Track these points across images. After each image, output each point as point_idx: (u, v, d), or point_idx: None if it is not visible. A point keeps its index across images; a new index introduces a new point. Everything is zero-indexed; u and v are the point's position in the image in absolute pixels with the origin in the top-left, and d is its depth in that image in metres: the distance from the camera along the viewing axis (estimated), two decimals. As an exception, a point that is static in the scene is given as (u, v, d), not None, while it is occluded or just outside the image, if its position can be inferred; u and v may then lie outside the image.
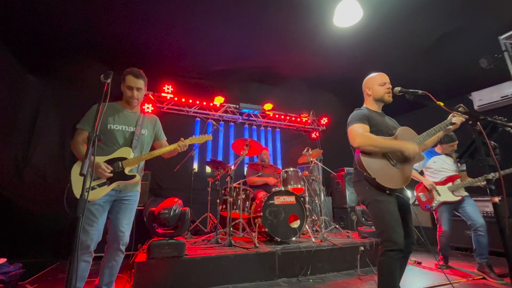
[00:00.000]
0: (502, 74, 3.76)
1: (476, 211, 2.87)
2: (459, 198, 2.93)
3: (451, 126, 1.79)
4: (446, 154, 3.19)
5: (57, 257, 3.35)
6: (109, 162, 1.84)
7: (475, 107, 4.33)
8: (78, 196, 1.66)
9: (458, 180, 3.00)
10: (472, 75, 4.26)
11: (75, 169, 1.75)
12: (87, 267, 1.78)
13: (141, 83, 1.98)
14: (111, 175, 1.80)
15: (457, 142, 3.11)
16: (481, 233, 2.74)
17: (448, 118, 1.79)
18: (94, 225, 1.75)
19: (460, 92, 4.72)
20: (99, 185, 1.78)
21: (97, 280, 1.92)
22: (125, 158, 1.88)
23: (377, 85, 1.92)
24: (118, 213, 1.91)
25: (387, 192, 1.70)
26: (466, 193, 2.99)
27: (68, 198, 1.48)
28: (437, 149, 3.25)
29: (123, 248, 1.91)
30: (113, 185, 1.83)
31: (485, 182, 2.76)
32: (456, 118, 1.75)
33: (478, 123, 1.45)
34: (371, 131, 1.79)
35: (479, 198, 3.82)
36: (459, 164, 3.10)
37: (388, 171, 1.73)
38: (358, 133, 1.74)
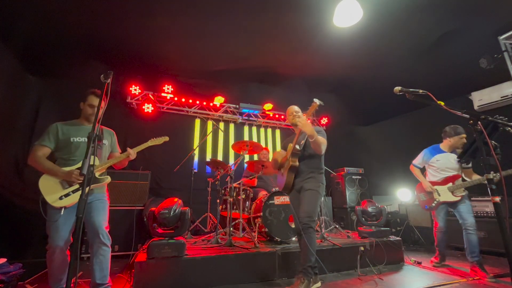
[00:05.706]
0: (502, 74, 3.76)
1: (469, 211, 2.86)
2: (458, 198, 2.89)
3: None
4: (452, 151, 3.03)
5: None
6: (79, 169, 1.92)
7: (475, 107, 4.32)
8: (52, 203, 1.90)
9: (459, 179, 2.94)
10: (472, 75, 4.25)
11: (43, 181, 1.96)
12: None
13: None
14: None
15: (465, 135, 2.97)
16: (470, 232, 2.77)
17: None
18: (63, 227, 1.90)
19: (460, 92, 4.71)
20: (73, 191, 1.94)
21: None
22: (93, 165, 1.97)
23: (287, 115, 2.64)
24: (92, 212, 1.98)
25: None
26: (465, 193, 2.92)
27: (44, 207, 1.82)
28: (443, 145, 3.08)
29: (105, 241, 1.98)
30: (86, 189, 1.90)
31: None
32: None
33: (479, 122, 1.44)
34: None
35: (479, 198, 3.82)
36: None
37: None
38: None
